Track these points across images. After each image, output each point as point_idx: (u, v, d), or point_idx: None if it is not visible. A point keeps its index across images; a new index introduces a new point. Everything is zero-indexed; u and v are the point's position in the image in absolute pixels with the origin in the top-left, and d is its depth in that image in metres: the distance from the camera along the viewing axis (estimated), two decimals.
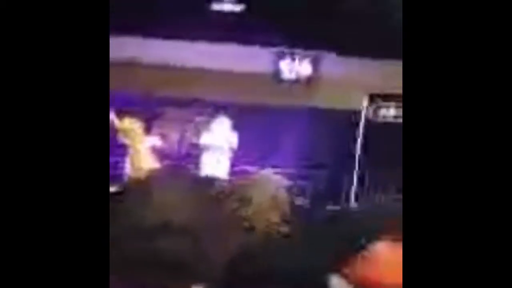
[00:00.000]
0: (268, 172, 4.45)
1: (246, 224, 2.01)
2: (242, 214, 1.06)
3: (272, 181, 2.21)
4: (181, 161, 8.16)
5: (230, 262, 1.00)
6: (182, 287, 0.91)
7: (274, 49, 8.38)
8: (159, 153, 7.69)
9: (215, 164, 7.23)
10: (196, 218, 0.91)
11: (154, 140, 7.83)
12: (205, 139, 7.47)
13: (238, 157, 7.60)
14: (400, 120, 8.10)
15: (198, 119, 8.60)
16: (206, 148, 7.42)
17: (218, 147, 7.34)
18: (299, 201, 6.46)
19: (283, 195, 2.16)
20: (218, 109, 7.98)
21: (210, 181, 1.01)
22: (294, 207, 2.35)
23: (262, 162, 7.69)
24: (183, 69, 8.07)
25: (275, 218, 2.10)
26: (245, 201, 2.07)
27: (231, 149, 7.43)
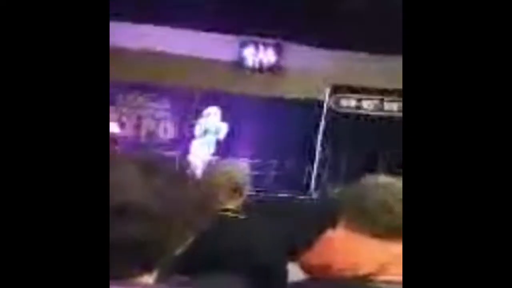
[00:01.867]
0: (227, 160, 4.41)
1: (207, 208, 1.96)
2: (203, 199, 1.02)
3: (231, 168, 2.18)
4: (139, 148, 8.01)
5: (184, 248, 0.95)
6: (134, 274, 0.88)
7: (238, 37, 8.26)
8: (116, 140, 7.55)
9: (204, 152, 7.30)
10: (149, 201, 0.88)
11: (112, 127, 7.68)
12: (196, 127, 7.56)
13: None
14: (361, 111, 8.19)
15: (155, 105, 8.46)
16: (197, 136, 7.47)
17: (207, 136, 7.40)
18: (258, 189, 6.47)
19: (241, 182, 2.14)
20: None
21: (168, 164, 0.97)
22: (252, 196, 2.34)
23: (222, 150, 7.66)
24: (143, 54, 7.88)
25: (230, 204, 2.07)
26: (202, 185, 2.03)
27: (218, 139, 7.52)
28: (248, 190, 2.17)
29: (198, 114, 7.83)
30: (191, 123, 7.90)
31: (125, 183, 0.88)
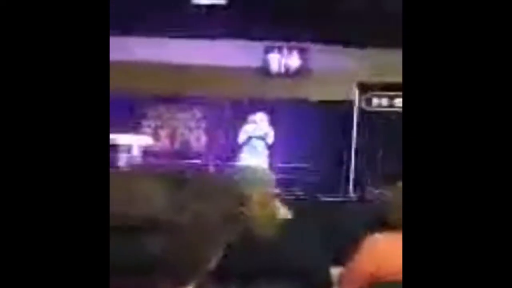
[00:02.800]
0: (256, 166, 4.39)
1: (236, 219, 1.94)
2: (232, 210, 1.01)
3: (261, 175, 2.16)
4: (174, 159, 8.07)
5: (220, 260, 0.93)
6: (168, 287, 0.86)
7: (261, 43, 8.25)
8: (150, 152, 7.62)
9: (255, 158, 7.22)
10: (174, 215, 0.86)
11: (144, 139, 7.76)
12: (244, 133, 7.42)
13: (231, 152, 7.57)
14: (393, 109, 8.08)
15: (186, 116, 8.52)
16: (245, 143, 7.36)
17: (256, 142, 7.28)
18: (293, 194, 6.43)
19: (272, 189, 2.11)
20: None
21: (197, 177, 0.97)
22: (286, 201, 2.31)
23: (272, 156, 7.61)
24: (167, 66, 7.93)
25: (265, 212, 2.04)
26: (235, 196, 2.01)
27: (267, 144, 7.40)
28: (276, 195, 2.15)
29: (242, 121, 7.70)
30: (232, 131, 7.79)
31: (150, 197, 0.86)
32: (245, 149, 7.47)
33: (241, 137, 7.52)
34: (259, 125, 7.48)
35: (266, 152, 7.49)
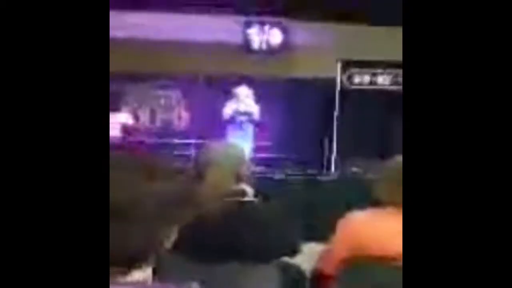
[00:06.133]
0: (228, 144, 4.33)
1: (201, 198, 1.90)
2: (198, 189, 1.00)
3: (233, 152, 2.09)
4: (155, 138, 7.99)
5: (176, 240, 0.93)
6: (125, 270, 0.87)
7: (241, 18, 8.13)
8: (130, 131, 7.53)
9: (240, 136, 6.96)
10: (133, 196, 0.88)
11: (125, 117, 7.67)
12: (229, 109, 7.11)
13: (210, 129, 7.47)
14: (375, 87, 8.07)
15: (166, 93, 8.41)
16: (230, 120, 7.13)
17: (242, 118, 7.07)
18: (271, 173, 6.39)
19: (245, 165, 2.05)
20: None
21: (148, 158, 0.98)
22: (260, 180, 2.26)
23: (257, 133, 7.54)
24: (144, 43, 7.80)
25: (237, 187, 1.99)
26: (202, 174, 1.96)
27: (253, 121, 7.15)
28: (250, 171, 2.09)
29: (225, 97, 7.42)
30: (215, 108, 7.58)
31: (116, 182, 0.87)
32: (230, 126, 7.30)
33: (226, 114, 7.32)
34: (244, 101, 7.27)
35: (251, 130, 7.32)
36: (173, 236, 0.91)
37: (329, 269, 1.97)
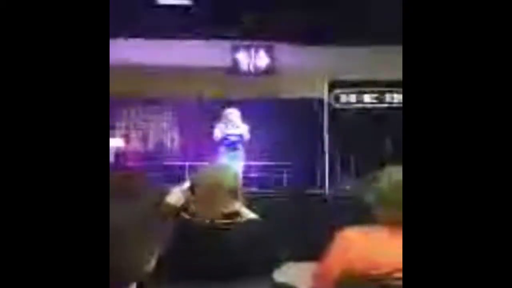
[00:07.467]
0: (220, 164, 4.31)
1: (186, 216, 1.93)
2: (162, 209, 1.01)
3: (227, 173, 2.09)
4: (146, 161, 8.03)
5: (159, 259, 0.94)
6: None
7: (228, 42, 8.25)
8: (122, 154, 7.55)
9: (232, 156, 6.98)
10: (119, 216, 0.86)
11: (117, 142, 7.70)
12: (219, 131, 7.04)
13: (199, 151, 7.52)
14: (361, 105, 8.19)
15: (157, 117, 8.48)
16: (222, 140, 7.05)
17: (233, 138, 7.01)
18: (260, 192, 6.42)
19: (239, 186, 2.06)
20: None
21: (124, 177, 0.96)
22: (250, 198, 2.26)
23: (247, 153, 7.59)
24: (135, 67, 7.87)
25: (226, 209, 1.99)
26: (196, 196, 1.97)
27: (243, 141, 7.07)
28: (242, 192, 2.09)
29: (214, 119, 7.32)
30: (206, 130, 7.61)
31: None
32: (222, 148, 7.33)
33: (216, 135, 7.37)
34: (233, 122, 7.30)
35: (242, 150, 7.35)
36: (156, 256, 0.91)
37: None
